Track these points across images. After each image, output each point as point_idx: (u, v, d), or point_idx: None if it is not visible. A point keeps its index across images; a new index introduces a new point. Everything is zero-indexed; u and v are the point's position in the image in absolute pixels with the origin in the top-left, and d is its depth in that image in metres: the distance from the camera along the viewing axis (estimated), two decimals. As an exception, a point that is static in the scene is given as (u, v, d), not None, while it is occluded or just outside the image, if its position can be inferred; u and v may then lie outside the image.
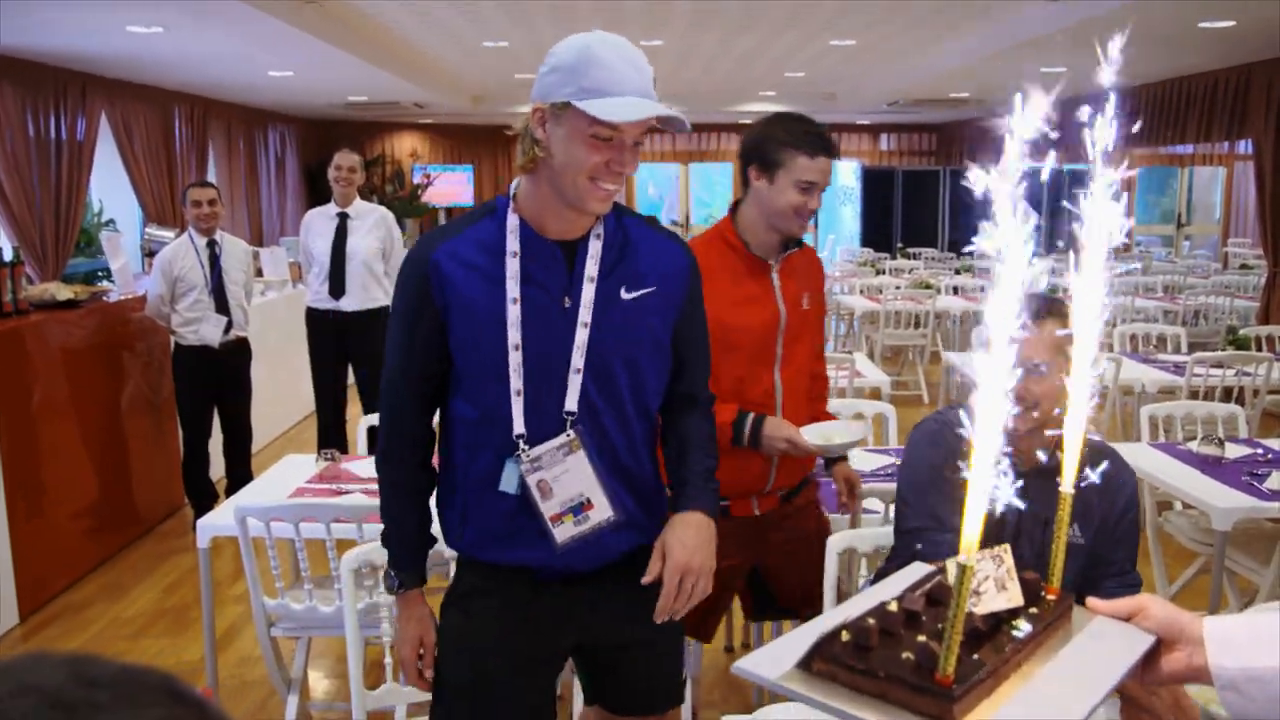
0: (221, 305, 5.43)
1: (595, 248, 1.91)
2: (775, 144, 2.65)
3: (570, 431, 1.90)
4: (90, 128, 8.08)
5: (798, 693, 1.10)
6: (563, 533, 1.91)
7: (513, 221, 1.89)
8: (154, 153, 9.27)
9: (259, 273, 7.53)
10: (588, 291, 1.89)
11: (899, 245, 14.54)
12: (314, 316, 5.91)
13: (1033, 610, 1.22)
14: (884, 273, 11.50)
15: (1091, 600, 1.31)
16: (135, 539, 5.50)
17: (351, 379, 6.07)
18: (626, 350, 1.93)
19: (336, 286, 5.77)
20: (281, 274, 8.11)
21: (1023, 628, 1.18)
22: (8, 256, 4.83)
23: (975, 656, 1.11)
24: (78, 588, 4.88)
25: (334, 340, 5.89)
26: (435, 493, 2.07)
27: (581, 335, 1.88)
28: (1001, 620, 1.19)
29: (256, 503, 3.10)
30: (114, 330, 5.46)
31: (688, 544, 1.94)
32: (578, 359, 1.89)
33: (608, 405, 1.93)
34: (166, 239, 7.41)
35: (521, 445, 1.89)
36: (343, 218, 5.81)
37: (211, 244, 5.45)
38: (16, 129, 7.11)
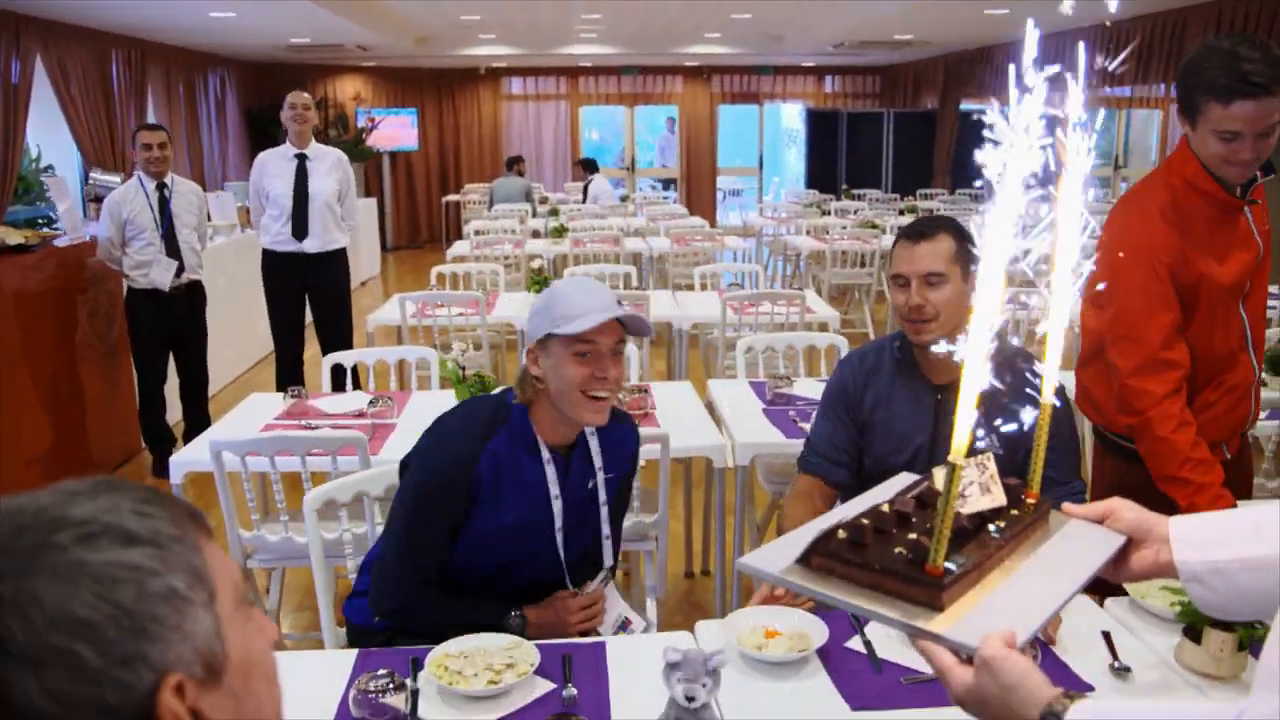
0: (172, 249, 5.38)
1: (595, 444, 2.29)
2: (1191, 89, 2.37)
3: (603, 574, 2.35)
4: (25, 71, 7.90)
5: (797, 584, 1.19)
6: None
7: (540, 440, 2.20)
8: (92, 96, 9.07)
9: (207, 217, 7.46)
10: (599, 477, 2.29)
11: (844, 187, 14.64)
12: (273, 259, 5.87)
13: (1014, 512, 1.32)
14: (829, 214, 11.60)
15: (1067, 505, 1.41)
16: (93, 484, 5.48)
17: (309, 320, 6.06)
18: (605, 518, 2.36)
19: (299, 228, 5.74)
20: (229, 218, 8.02)
21: (1004, 527, 1.28)
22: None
23: (961, 552, 1.20)
24: (38, 533, 4.86)
25: (296, 282, 5.87)
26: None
27: (605, 511, 2.32)
28: (985, 520, 1.28)
29: (232, 437, 3.13)
30: (65, 275, 5.40)
31: None
32: (606, 528, 2.34)
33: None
34: (113, 184, 7.29)
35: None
36: (301, 159, 5.76)
37: (161, 187, 5.39)
38: (-51, 71, 6.94)
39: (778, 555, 1.23)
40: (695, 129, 16.91)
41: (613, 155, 18.09)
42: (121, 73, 9.69)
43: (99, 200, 7.28)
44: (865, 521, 1.23)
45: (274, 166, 5.83)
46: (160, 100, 10.63)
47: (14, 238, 5.07)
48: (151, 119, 10.23)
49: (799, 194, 14.62)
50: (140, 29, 9.65)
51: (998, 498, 1.29)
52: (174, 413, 5.78)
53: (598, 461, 2.30)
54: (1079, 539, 1.34)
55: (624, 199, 13.46)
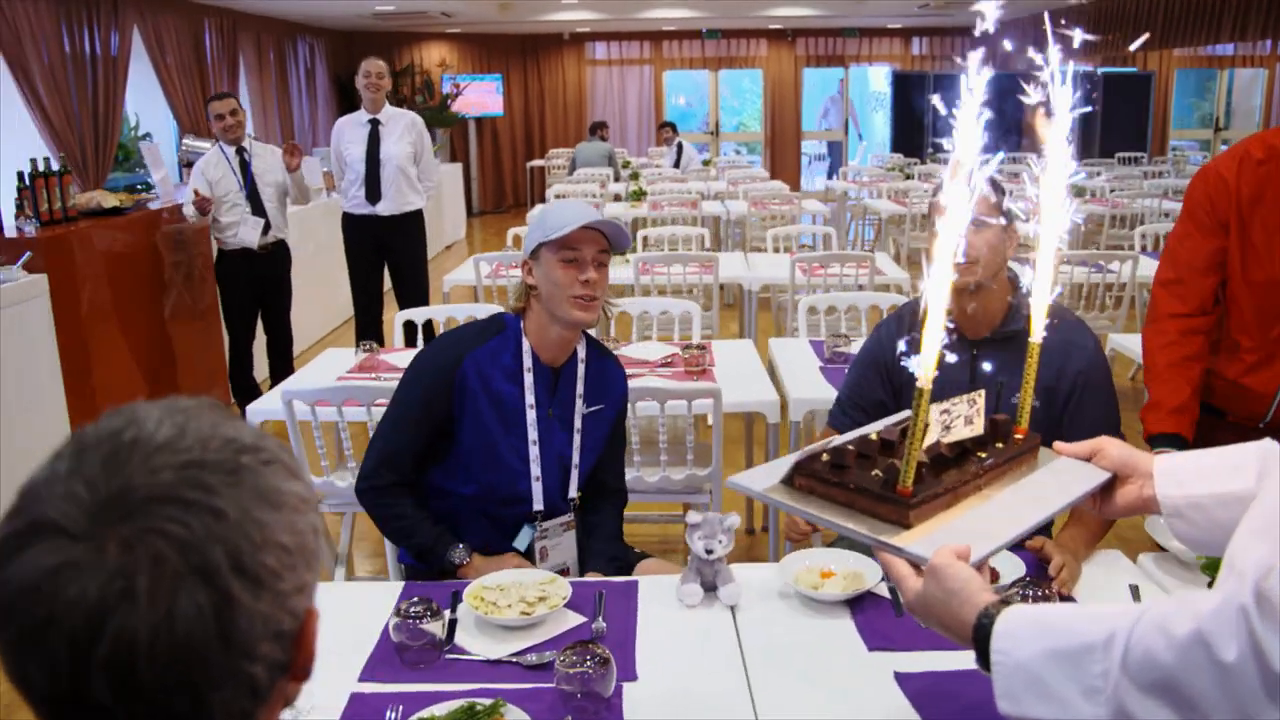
0: (257, 208, 5.59)
1: (580, 370, 2.47)
2: None
3: (572, 514, 2.48)
4: (124, 41, 8.20)
5: (779, 501, 1.26)
6: None
7: (526, 346, 2.41)
8: (186, 66, 9.39)
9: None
10: (578, 404, 2.46)
11: (929, 150, 14.44)
12: (351, 221, 6.08)
13: (999, 445, 1.37)
14: (913, 177, 11.48)
15: (1057, 443, 1.45)
16: (184, 438, 5.72)
17: (388, 282, 6.25)
18: (594, 450, 2.51)
19: (373, 192, 5.93)
20: (316, 183, 8.25)
21: (987, 458, 1.34)
22: (55, 166, 5.01)
23: (940, 478, 1.26)
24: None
25: (372, 243, 6.08)
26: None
27: (577, 439, 2.46)
28: (967, 450, 1.34)
29: (303, 387, 3.29)
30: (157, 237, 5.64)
31: None
32: (575, 457, 2.46)
33: (589, 492, 2.54)
34: (203, 149, 7.54)
35: (539, 518, 2.43)
36: (374, 124, 5.94)
37: (241, 151, 5.60)
38: (52, 43, 7.24)
39: (765, 475, 1.31)
40: (779, 92, 16.79)
41: (697, 120, 18.07)
42: (214, 42, 10.00)
43: (191, 165, 7.56)
44: (850, 447, 1.30)
45: (350, 133, 6.02)
46: (252, 69, 10.94)
47: (110, 201, 5.31)
48: (242, 88, 10.55)
49: (883, 158, 14.47)
50: (231, -1, 9.94)
51: (977, 427, 1.34)
52: (260, 371, 6.02)
53: (580, 388, 2.46)
54: (1063, 473, 1.38)
55: (706, 163, 13.47)
